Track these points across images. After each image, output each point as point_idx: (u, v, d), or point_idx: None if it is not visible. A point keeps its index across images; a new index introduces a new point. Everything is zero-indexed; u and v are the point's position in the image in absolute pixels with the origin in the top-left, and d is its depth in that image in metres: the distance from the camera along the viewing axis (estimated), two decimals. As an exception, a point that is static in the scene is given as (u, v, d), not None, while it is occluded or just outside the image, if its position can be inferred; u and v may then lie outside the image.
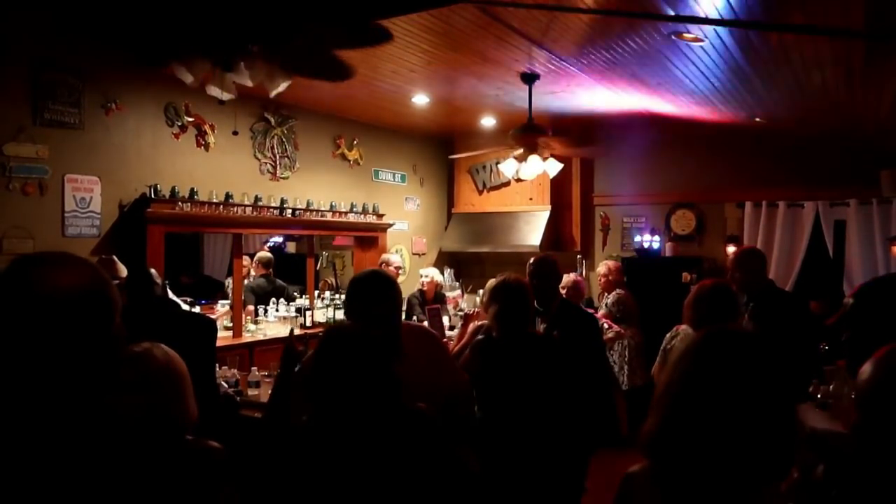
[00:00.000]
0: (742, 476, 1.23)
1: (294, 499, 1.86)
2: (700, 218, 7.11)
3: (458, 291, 7.24)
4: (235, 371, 4.24)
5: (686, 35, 3.83)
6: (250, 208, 5.63)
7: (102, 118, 4.75)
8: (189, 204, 5.13)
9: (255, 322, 5.86)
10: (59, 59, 4.47)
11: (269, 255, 6.62)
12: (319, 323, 6.06)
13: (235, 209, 5.50)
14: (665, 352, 3.63)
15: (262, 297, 6.17)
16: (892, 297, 2.19)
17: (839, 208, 6.49)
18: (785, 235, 6.65)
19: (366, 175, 7.17)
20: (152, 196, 4.91)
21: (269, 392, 2.63)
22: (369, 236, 6.90)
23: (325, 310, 6.27)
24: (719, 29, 3.69)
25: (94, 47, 4.63)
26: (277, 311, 6.09)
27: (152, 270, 3.31)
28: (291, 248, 8.30)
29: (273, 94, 3.70)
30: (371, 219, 6.86)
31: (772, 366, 1.27)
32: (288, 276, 6.69)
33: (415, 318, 5.99)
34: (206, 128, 5.47)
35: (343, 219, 6.53)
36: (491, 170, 7.64)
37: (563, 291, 5.17)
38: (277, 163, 6.14)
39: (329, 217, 6.37)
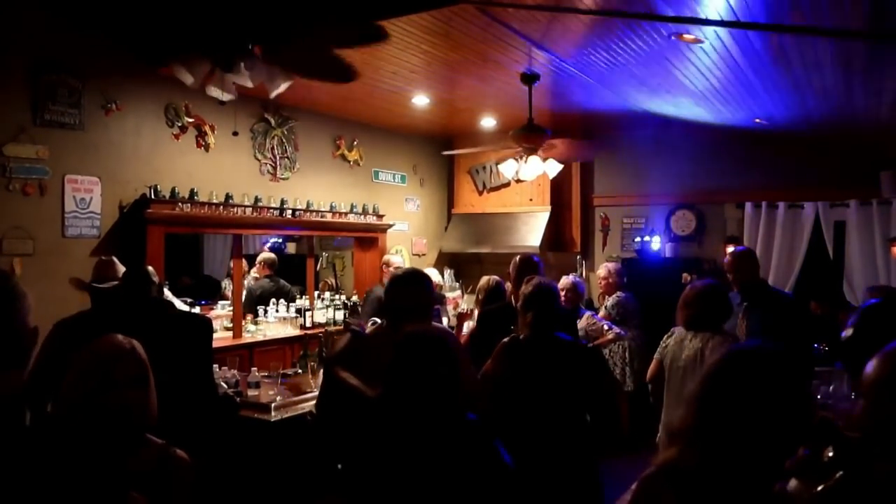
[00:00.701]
0: (761, 480, 1.25)
1: (343, 456, 2.10)
2: (700, 219, 7.11)
3: (458, 292, 7.24)
4: (235, 372, 4.24)
5: (686, 36, 3.83)
6: (250, 209, 5.63)
7: (102, 119, 4.75)
8: (189, 204, 5.13)
9: (255, 323, 5.86)
10: (59, 60, 4.47)
11: (273, 256, 6.63)
12: (319, 324, 6.05)
13: (235, 210, 5.50)
14: (661, 354, 3.64)
15: (265, 298, 6.18)
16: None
17: (839, 209, 6.49)
18: (785, 236, 6.65)
19: (366, 175, 7.17)
20: (152, 197, 4.91)
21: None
22: (369, 237, 6.90)
23: (325, 310, 6.26)
24: (719, 30, 3.69)
25: (94, 48, 4.63)
26: (277, 311, 6.09)
27: (150, 268, 3.29)
28: (291, 248, 8.30)
29: (273, 94, 3.70)
30: (371, 219, 6.86)
31: (799, 383, 1.31)
32: (288, 276, 6.69)
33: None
34: (206, 128, 5.47)
35: (343, 219, 6.53)
36: (491, 170, 7.64)
37: (562, 293, 5.19)
38: (277, 163, 6.14)
39: (329, 218, 6.37)
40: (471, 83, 5.28)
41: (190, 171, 5.32)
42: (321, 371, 3.41)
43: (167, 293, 4.73)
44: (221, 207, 5.39)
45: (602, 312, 5.76)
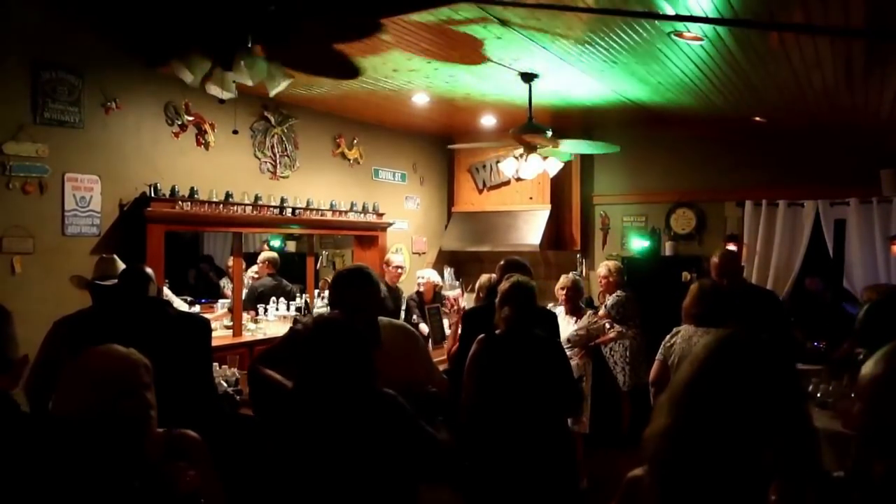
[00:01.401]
0: (749, 478, 1.23)
1: (272, 453, 2.15)
2: (700, 217, 7.11)
3: (458, 291, 7.23)
4: (235, 370, 4.24)
5: (686, 34, 3.83)
6: (250, 207, 5.62)
7: (102, 117, 4.74)
8: (189, 203, 5.13)
9: (255, 321, 5.86)
10: (58, 58, 4.47)
11: (275, 255, 6.64)
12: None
13: (235, 208, 5.49)
14: (664, 353, 3.63)
15: (266, 296, 6.18)
16: None
17: (839, 207, 6.50)
18: (785, 234, 6.65)
19: (366, 174, 7.17)
20: (152, 195, 4.91)
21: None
22: (369, 235, 6.90)
23: (325, 309, 6.26)
24: (719, 28, 3.69)
25: (94, 46, 4.63)
26: (277, 310, 6.09)
27: (148, 270, 3.29)
28: (291, 247, 8.30)
29: (273, 93, 3.70)
30: (371, 218, 6.86)
31: (789, 373, 1.30)
32: (288, 275, 6.69)
33: (413, 318, 5.99)
34: (206, 127, 5.47)
35: (343, 218, 6.52)
36: (491, 169, 7.64)
37: (562, 292, 5.19)
38: (277, 162, 6.14)
39: (329, 216, 6.37)
40: (471, 81, 5.28)
41: (190, 170, 5.32)
42: None
43: (167, 292, 4.74)
44: (221, 206, 5.39)
45: (602, 311, 5.76)
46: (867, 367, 1.32)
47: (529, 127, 5.27)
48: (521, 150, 5.43)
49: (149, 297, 3.20)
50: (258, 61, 3.42)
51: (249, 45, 3.41)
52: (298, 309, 6.11)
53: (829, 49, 3.95)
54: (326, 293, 6.66)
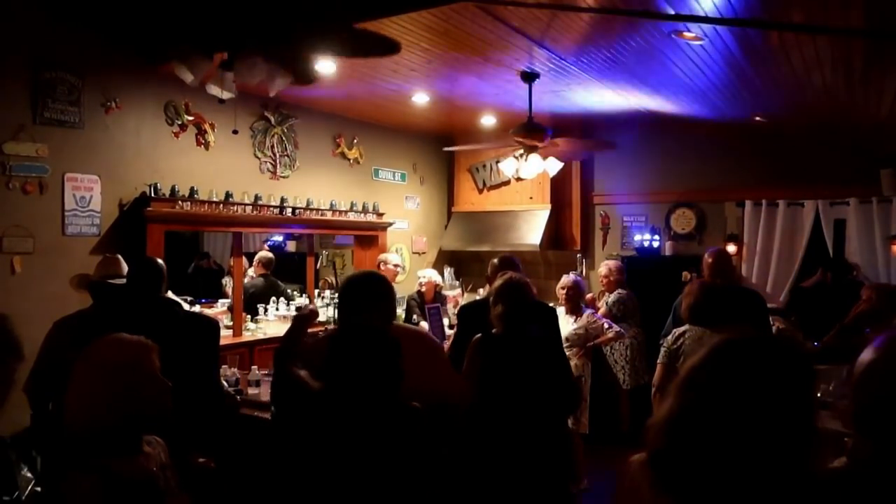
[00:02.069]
0: (748, 475, 1.23)
1: (290, 451, 2.18)
2: (700, 217, 7.11)
3: (459, 290, 7.24)
4: (235, 370, 4.24)
5: (686, 34, 3.83)
6: (250, 207, 5.63)
7: (102, 117, 4.75)
8: (189, 203, 5.13)
9: (255, 321, 5.86)
10: (58, 58, 4.47)
11: (270, 255, 6.62)
12: (319, 322, 6.05)
13: (235, 208, 5.50)
14: (669, 356, 3.63)
15: (257, 297, 6.17)
16: None
17: (839, 207, 6.49)
18: (785, 234, 6.65)
19: (366, 174, 7.17)
20: (152, 195, 4.91)
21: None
22: (369, 235, 6.90)
23: (326, 309, 6.26)
24: (719, 28, 3.69)
25: (94, 46, 4.63)
26: (277, 310, 6.09)
27: (160, 262, 3.24)
28: (291, 246, 8.30)
29: (273, 92, 3.70)
30: (371, 217, 6.86)
31: (798, 373, 1.29)
32: (288, 275, 6.68)
33: (414, 317, 5.99)
34: (206, 126, 5.47)
35: (343, 217, 6.53)
36: (491, 168, 7.64)
37: (563, 291, 5.19)
38: (277, 161, 6.14)
39: (329, 216, 6.37)
40: (471, 81, 5.28)
41: (190, 170, 5.32)
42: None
43: (168, 293, 4.74)
44: (221, 205, 5.39)
45: (603, 310, 5.76)
46: (864, 357, 1.33)
47: (529, 127, 5.27)
48: (521, 150, 5.43)
49: (160, 296, 3.18)
50: (258, 61, 3.42)
51: (249, 45, 3.41)
52: (298, 309, 6.11)
53: (829, 49, 3.94)
54: (326, 293, 6.69)
